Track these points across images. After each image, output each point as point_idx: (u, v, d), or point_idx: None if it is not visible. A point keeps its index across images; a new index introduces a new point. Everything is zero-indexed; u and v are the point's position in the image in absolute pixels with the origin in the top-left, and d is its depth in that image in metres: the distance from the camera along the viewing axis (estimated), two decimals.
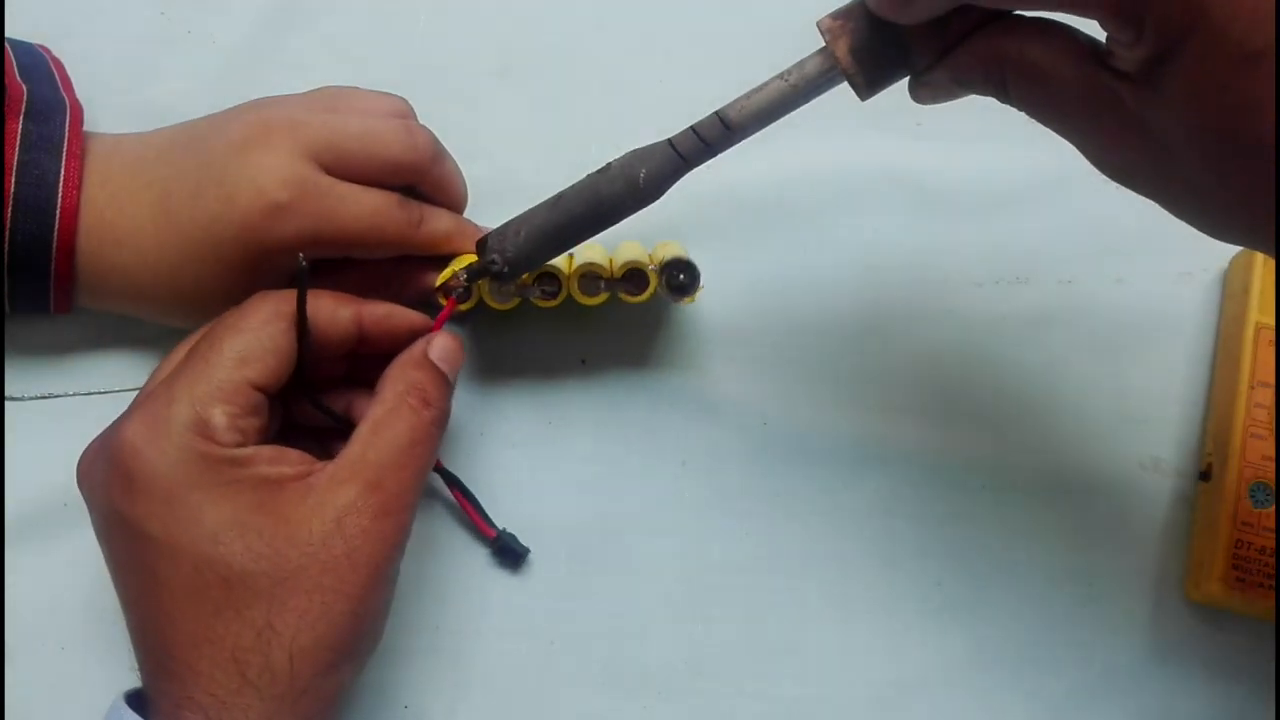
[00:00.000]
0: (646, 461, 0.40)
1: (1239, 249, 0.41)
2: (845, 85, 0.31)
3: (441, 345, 0.35)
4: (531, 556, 0.39)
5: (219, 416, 0.31)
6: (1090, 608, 0.39)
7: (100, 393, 0.40)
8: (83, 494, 0.32)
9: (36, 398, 0.40)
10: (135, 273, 0.36)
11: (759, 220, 0.42)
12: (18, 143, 0.35)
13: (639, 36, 0.44)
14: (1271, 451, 0.37)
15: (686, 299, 0.37)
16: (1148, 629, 0.39)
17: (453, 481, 0.39)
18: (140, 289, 0.37)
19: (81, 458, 0.32)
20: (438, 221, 0.39)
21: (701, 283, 0.37)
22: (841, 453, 0.40)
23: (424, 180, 0.38)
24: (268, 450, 0.31)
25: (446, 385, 0.34)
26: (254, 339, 0.32)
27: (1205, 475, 0.39)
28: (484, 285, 0.37)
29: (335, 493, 0.30)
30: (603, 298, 0.37)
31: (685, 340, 0.41)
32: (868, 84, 0.30)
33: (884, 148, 0.43)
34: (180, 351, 0.34)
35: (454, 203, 0.40)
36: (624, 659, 0.38)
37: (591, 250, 0.38)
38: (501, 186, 0.42)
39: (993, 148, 0.43)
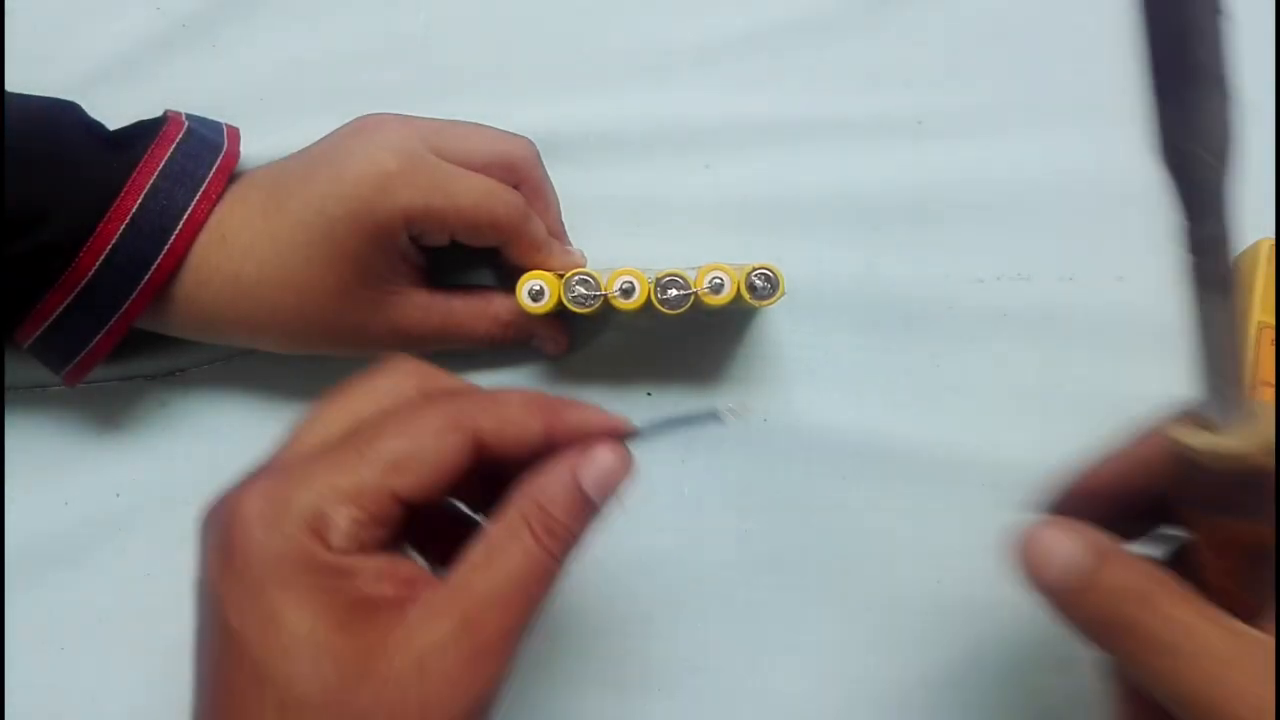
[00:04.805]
0: (646, 461, 0.40)
1: (1241, 248, 0.40)
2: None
3: (601, 467, 0.29)
4: None
5: (342, 519, 0.26)
6: None
7: (97, 383, 0.40)
8: (198, 542, 0.28)
9: (32, 386, 0.40)
10: (239, 268, 0.36)
11: (758, 219, 0.42)
12: (158, 168, 0.35)
13: (639, 36, 0.44)
14: None
15: (767, 302, 0.36)
16: None
17: None
18: (244, 286, 0.36)
19: (207, 507, 0.28)
20: (540, 223, 0.39)
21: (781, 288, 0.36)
22: (841, 452, 0.40)
23: (525, 183, 0.39)
24: (375, 563, 0.27)
25: (586, 516, 0.29)
26: (416, 446, 0.27)
27: None
28: (560, 290, 0.36)
29: (427, 626, 0.26)
30: (685, 309, 0.36)
31: (685, 339, 0.41)
32: None
33: (884, 146, 0.43)
34: (334, 416, 0.29)
35: (551, 222, 0.40)
36: (624, 657, 0.39)
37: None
38: None
39: (993, 146, 0.43)
